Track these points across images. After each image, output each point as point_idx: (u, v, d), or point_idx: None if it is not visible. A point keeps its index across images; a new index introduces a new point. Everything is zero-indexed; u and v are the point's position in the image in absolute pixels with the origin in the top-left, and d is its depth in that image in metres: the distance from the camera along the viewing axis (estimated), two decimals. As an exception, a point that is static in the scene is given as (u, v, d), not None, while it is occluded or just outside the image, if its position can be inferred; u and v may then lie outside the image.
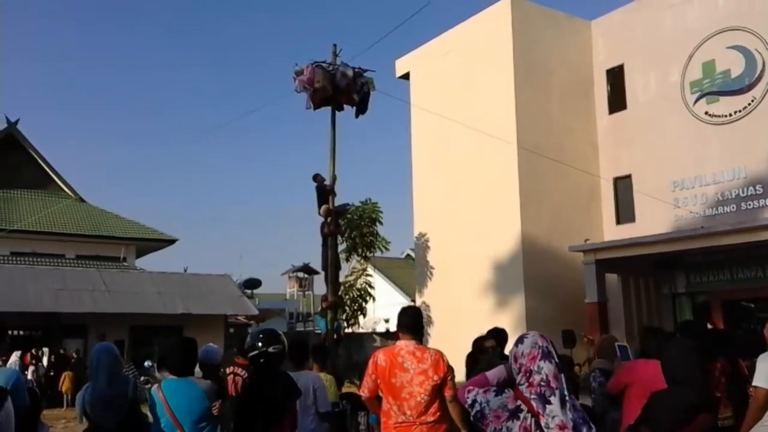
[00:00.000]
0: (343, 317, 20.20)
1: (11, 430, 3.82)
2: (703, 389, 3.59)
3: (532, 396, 2.71)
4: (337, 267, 14.33)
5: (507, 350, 6.76)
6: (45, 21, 79.71)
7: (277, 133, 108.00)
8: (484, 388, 2.86)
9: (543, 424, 2.65)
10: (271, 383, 4.53)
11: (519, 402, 2.71)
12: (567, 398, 2.72)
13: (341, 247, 14.52)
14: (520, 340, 2.87)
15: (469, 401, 2.81)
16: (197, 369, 6.14)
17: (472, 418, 2.82)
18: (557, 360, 2.81)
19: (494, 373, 2.95)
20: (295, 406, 4.77)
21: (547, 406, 2.68)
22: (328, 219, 13.63)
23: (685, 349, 3.67)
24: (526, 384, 2.75)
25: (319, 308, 15.30)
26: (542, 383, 2.72)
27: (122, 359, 4.88)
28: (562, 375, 2.78)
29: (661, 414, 3.47)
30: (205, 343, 6.30)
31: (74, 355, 20.10)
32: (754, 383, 4.65)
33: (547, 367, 2.74)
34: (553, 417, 2.66)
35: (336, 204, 13.85)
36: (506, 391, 2.80)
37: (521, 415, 2.68)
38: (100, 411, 4.42)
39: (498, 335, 6.63)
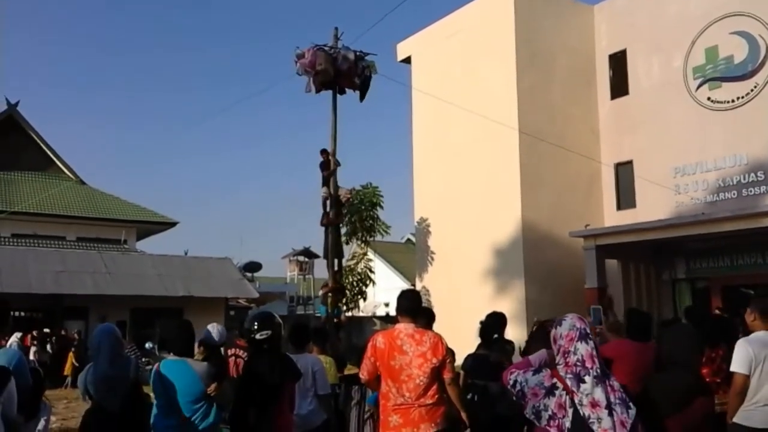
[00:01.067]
0: (344, 302, 20.27)
1: (14, 411, 3.85)
2: (697, 373, 3.68)
3: (568, 375, 2.85)
4: (339, 255, 14.41)
5: (507, 334, 6.85)
6: (49, 3, 79.26)
7: (278, 117, 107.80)
8: (524, 369, 3.05)
9: (577, 401, 2.79)
10: (269, 365, 4.57)
11: (555, 380, 2.87)
12: (603, 378, 2.85)
13: (342, 230, 14.54)
14: (559, 323, 3.02)
15: (511, 382, 2.99)
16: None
17: (514, 398, 2.97)
18: (594, 342, 2.94)
19: (536, 357, 3.18)
20: (294, 388, 4.81)
21: (581, 384, 2.82)
22: (328, 208, 13.68)
23: (684, 334, 3.70)
24: (564, 364, 2.90)
25: (320, 293, 15.40)
26: (578, 363, 2.86)
27: (124, 340, 4.94)
28: (598, 357, 2.90)
29: (661, 396, 3.50)
30: (206, 325, 6.35)
31: (75, 336, 20.22)
32: (731, 368, 4.68)
33: (583, 348, 2.87)
34: (586, 395, 2.79)
35: (337, 187, 13.90)
36: (544, 370, 2.97)
37: (557, 393, 2.84)
38: (102, 392, 4.47)
39: (497, 319, 6.68)
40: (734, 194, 17.96)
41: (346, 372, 8.22)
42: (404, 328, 4.62)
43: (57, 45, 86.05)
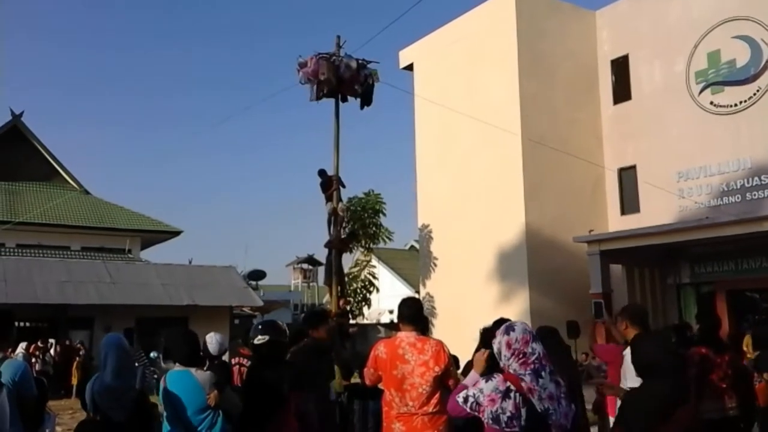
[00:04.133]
0: (350, 314, 20.18)
1: (6, 423, 3.85)
2: (677, 382, 3.47)
3: (527, 372, 3.06)
4: (341, 281, 14.13)
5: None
6: (50, 5, 79.67)
7: (282, 124, 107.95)
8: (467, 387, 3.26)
9: (536, 397, 3.01)
10: (273, 373, 4.57)
11: (508, 383, 3.05)
12: (554, 375, 3.12)
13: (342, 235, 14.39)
14: (508, 330, 3.21)
15: (462, 399, 3.17)
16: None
17: (469, 410, 3.11)
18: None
19: (470, 379, 3.38)
20: (298, 394, 4.81)
21: (539, 379, 3.06)
22: (332, 228, 13.53)
23: (656, 343, 3.55)
24: (521, 363, 3.10)
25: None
26: (536, 361, 3.10)
27: (131, 350, 4.94)
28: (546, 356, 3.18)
29: (635, 414, 3.38)
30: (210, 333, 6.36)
31: (79, 346, 20.21)
32: (626, 384, 4.81)
33: (539, 348, 3.15)
34: (544, 389, 3.04)
35: (341, 188, 13.82)
36: (495, 376, 3.15)
37: (511, 395, 3.03)
38: (107, 403, 4.46)
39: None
40: (738, 198, 17.92)
41: (352, 380, 8.20)
42: (406, 336, 4.62)
43: (58, 49, 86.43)
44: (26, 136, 30.72)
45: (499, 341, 3.20)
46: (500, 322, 6.69)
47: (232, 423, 4.92)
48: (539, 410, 2.99)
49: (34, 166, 30.67)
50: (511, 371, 3.09)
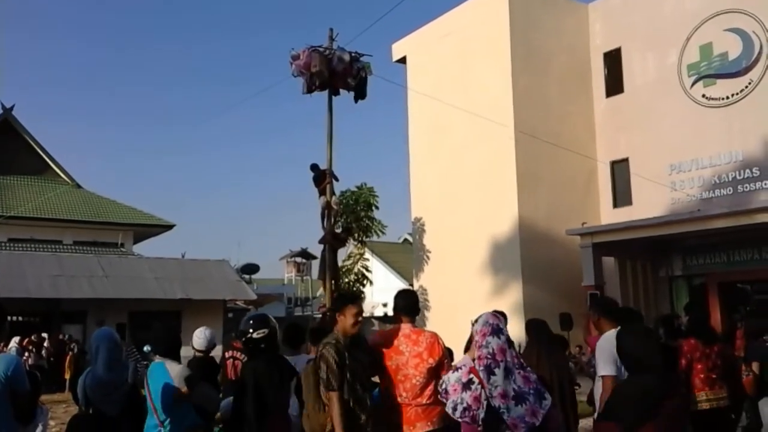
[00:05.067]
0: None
1: None
2: (664, 375, 3.46)
3: (481, 367, 3.04)
4: (336, 277, 14.17)
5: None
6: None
7: (275, 117, 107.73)
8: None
9: (487, 393, 2.97)
10: (268, 366, 4.57)
11: (471, 375, 3.05)
12: (515, 370, 3.02)
13: (337, 230, 14.39)
14: (476, 320, 3.23)
15: (440, 385, 3.26)
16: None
17: (439, 396, 3.21)
18: (507, 336, 3.13)
19: (461, 362, 3.41)
20: (291, 387, 4.83)
21: (491, 376, 3.00)
22: (325, 222, 13.54)
23: (641, 335, 3.54)
24: (477, 357, 3.10)
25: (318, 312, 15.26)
26: (488, 356, 3.05)
27: (123, 344, 4.99)
28: (511, 350, 3.09)
29: (622, 408, 3.31)
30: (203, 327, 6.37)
31: (66, 339, 20.08)
32: (599, 373, 4.87)
33: (494, 342, 3.08)
34: (495, 387, 2.97)
35: (334, 181, 13.81)
36: (463, 367, 3.16)
37: (473, 387, 3.02)
38: (99, 397, 4.47)
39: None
40: (729, 191, 18.01)
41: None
42: (401, 328, 4.65)
43: (50, 43, 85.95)
44: (17, 130, 30.54)
45: (471, 332, 3.24)
46: (494, 314, 6.74)
47: (206, 417, 4.95)
48: (494, 406, 2.96)
49: (25, 160, 30.51)
50: (475, 363, 3.10)
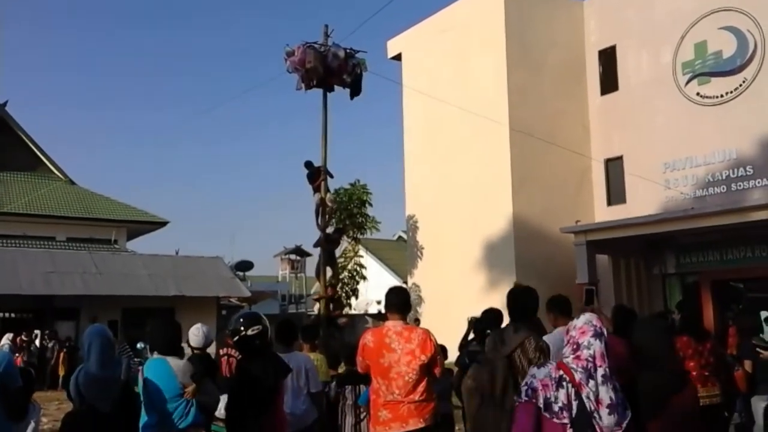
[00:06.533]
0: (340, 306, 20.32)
1: None
2: (672, 371, 3.51)
3: (579, 368, 2.88)
4: (335, 269, 14.44)
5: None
6: None
7: (269, 113, 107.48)
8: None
9: (584, 395, 2.84)
10: (262, 364, 4.55)
11: (561, 372, 2.90)
12: (609, 378, 2.90)
13: (330, 229, 14.49)
14: (578, 317, 3.06)
15: (523, 383, 3.02)
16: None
17: (525, 397, 2.94)
18: (606, 342, 2.97)
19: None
20: (284, 385, 4.81)
21: (590, 380, 2.86)
22: (320, 219, 13.64)
23: (656, 330, 3.56)
24: (573, 356, 2.93)
25: (315, 306, 15.44)
26: (589, 359, 2.89)
27: (115, 341, 4.95)
28: (608, 357, 2.95)
29: (634, 402, 3.37)
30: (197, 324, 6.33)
31: (50, 336, 19.86)
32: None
33: (597, 345, 2.91)
34: (593, 391, 2.85)
35: (328, 178, 13.87)
36: (549, 363, 3.02)
37: (564, 384, 2.87)
38: (93, 393, 4.45)
39: (495, 316, 6.60)
40: (723, 189, 18.07)
41: (340, 370, 8.20)
42: (393, 325, 4.64)
43: (43, 38, 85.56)
44: (10, 126, 30.36)
45: (567, 325, 3.07)
46: (489, 311, 6.74)
47: (208, 414, 4.92)
48: (588, 409, 2.83)
49: (18, 156, 30.35)
50: (564, 361, 2.95)
